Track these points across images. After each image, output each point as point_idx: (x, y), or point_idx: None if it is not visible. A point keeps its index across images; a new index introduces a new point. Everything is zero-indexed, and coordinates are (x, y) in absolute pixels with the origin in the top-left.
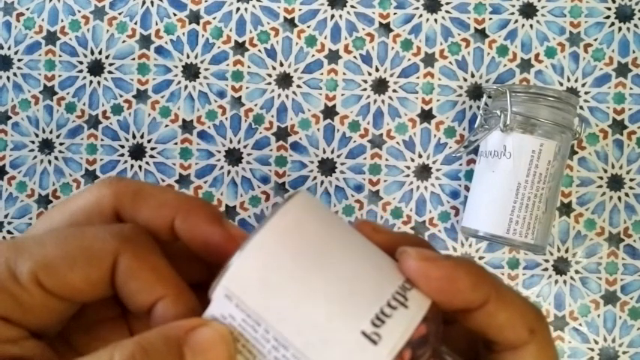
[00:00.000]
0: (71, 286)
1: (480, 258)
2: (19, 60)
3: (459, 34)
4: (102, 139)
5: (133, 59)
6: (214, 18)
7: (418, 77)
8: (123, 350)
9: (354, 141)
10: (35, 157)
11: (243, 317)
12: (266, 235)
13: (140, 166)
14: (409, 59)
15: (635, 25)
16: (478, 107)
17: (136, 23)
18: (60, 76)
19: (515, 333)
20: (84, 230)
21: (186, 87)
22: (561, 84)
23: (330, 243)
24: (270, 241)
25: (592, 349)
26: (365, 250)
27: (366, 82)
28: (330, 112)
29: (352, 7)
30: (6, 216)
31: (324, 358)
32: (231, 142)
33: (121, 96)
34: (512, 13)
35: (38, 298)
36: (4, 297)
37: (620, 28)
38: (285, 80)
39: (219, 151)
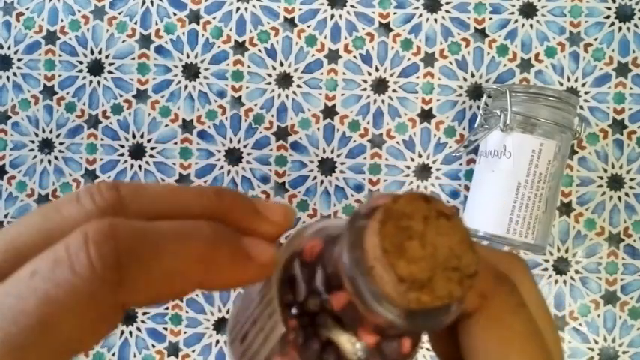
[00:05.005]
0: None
1: None
2: (19, 60)
3: (458, 34)
4: (102, 139)
5: (133, 59)
6: (214, 18)
7: (418, 77)
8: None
9: (354, 141)
10: (35, 156)
11: None
12: None
13: (140, 166)
14: (409, 59)
15: (635, 25)
16: (478, 107)
17: (136, 23)
18: (60, 75)
19: None
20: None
21: (186, 87)
22: (561, 84)
23: None
24: None
25: (592, 349)
26: None
27: (366, 81)
28: (330, 111)
29: (352, 6)
30: (6, 216)
31: None
32: (231, 141)
33: (120, 96)
34: (512, 13)
35: None
36: None
37: (620, 28)
38: (285, 80)
39: (219, 151)
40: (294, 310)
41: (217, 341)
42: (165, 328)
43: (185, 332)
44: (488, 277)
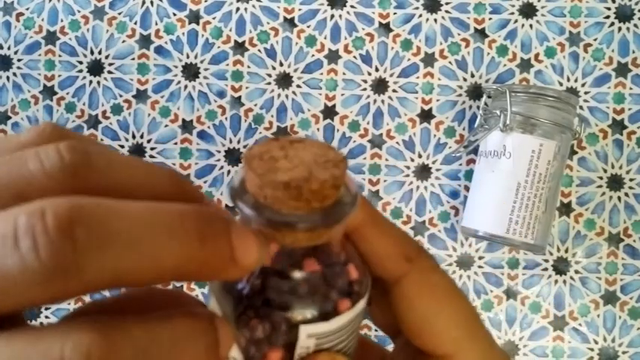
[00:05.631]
0: None
1: (480, 258)
2: (19, 60)
3: (458, 34)
4: (102, 139)
5: (133, 59)
6: (214, 18)
7: (418, 77)
8: None
9: (354, 141)
10: None
11: None
12: None
13: None
14: (409, 59)
15: (635, 25)
16: (478, 107)
17: (135, 23)
18: (60, 76)
19: (393, 262)
20: None
21: (186, 87)
22: (561, 84)
23: None
24: None
25: (592, 349)
26: None
27: (365, 82)
28: (329, 112)
29: (352, 7)
30: None
31: None
32: (230, 142)
33: (120, 96)
34: (512, 13)
35: None
36: None
37: (619, 28)
38: (284, 80)
39: (219, 151)
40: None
41: None
42: None
43: None
44: (410, 244)
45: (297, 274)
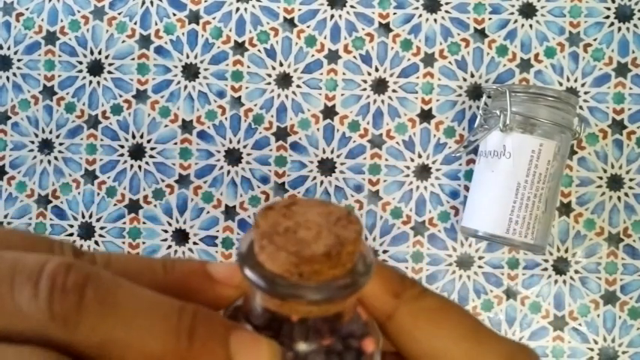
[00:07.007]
0: None
1: (480, 258)
2: (19, 60)
3: (458, 34)
4: (101, 139)
5: (133, 59)
6: (214, 18)
7: (418, 77)
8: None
9: (354, 141)
10: (35, 157)
11: None
12: None
13: (140, 166)
14: (409, 59)
15: (635, 25)
16: (478, 107)
17: (135, 23)
18: (59, 76)
19: (380, 300)
20: None
21: (185, 87)
22: (561, 84)
23: None
24: None
25: (592, 349)
26: None
27: (365, 82)
28: (329, 112)
29: (352, 7)
30: (5, 216)
31: None
32: (230, 142)
33: (120, 96)
34: (512, 13)
35: None
36: None
37: (619, 28)
38: (284, 80)
39: (218, 151)
40: None
41: None
42: None
43: None
44: (394, 278)
45: (320, 343)
